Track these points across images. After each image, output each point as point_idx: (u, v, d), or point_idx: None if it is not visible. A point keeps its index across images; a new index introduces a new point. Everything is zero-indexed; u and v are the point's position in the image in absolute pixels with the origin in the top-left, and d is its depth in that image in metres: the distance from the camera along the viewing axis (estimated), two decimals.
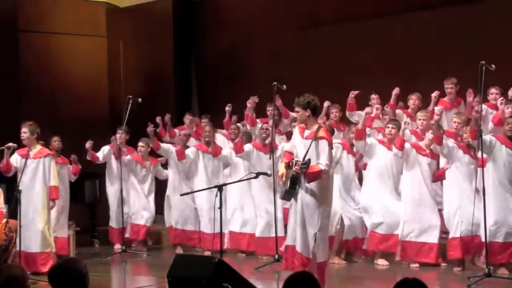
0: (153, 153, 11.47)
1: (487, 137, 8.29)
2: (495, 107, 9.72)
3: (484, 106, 9.39)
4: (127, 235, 11.28)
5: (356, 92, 10.50)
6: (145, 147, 11.28)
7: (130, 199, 11.37)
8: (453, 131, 9.19)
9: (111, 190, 11.47)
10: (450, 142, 8.83)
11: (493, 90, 9.58)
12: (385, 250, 9.24)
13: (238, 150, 9.99)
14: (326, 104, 10.62)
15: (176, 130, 11.80)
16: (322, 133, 7.23)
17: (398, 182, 9.35)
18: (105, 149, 11.40)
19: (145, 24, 14.51)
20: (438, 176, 9.07)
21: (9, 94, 13.00)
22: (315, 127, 7.28)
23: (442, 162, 9.18)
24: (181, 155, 10.67)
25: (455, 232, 8.63)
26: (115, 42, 14.69)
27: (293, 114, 10.98)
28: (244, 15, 13.77)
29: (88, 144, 10.97)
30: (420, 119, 9.42)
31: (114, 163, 11.39)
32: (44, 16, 13.74)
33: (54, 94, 13.53)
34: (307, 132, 7.31)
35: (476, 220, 8.30)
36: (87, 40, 14.20)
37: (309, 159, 7.02)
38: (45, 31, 13.75)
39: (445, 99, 10.08)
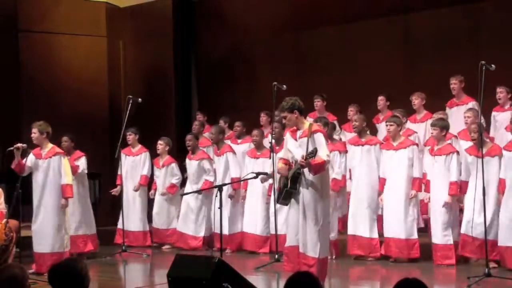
0: (171, 153, 11.60)
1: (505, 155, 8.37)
2: (500, 108, 9.72)
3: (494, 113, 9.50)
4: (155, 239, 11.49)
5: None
6: (163, 145, 11.38)
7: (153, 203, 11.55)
8: (466, 128, 9.27)
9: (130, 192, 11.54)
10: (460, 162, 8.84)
11: (498, 89, 9.62)
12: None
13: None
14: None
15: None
16: (315, 127, 7.30)
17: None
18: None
19: (145, 24, 14.51)
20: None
21: (9, 94, 13.00)
22: (306, 125, 7.33)
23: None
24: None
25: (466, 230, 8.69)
26: (115, 42, 14.69)
27: None
28: (244, 15, 13.77)
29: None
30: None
31: (129, 165, 11.50)
32: (44, 16, 13.73)
33: (54, 94, 13.52)
34: (299, 132, 7.34)
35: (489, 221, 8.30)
36: (87, 40, 14.19)
37: (315, 148, 7.02)
38: (45, 31, 13.74)
39: (454, 99, 10.21)
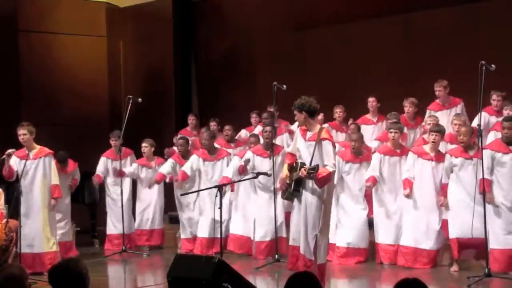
0: (157, 153, 11.50)
1: (487, 154, 8.25)
2: (496, 113, 9.69)
3: (484, 114, 9.43)
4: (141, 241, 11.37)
5: None
6: (148, 147, 11.25)
7: (138, 203, 11.39)
8: (454, 134, 9.25)
9: (115, 195, 11.39)
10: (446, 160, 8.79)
11: (494, 97, 9.56)
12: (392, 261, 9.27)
13: (242, 171, 9.90)
14: None
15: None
16: (324, 134, 7.26)
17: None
18: (101, 163, 11.39)
19: (145, 24, 14.51)
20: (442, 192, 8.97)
21: (9, 94, 13.00)
22: (317, 128, 7.31)
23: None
24: (184, 176, 10.49)
25: (451, 233, 8.65)
26: (115, 42, 14.69)
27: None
28: (244, 15, 13.77)
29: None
30: (429, 123, 9.45)
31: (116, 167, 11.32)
32: (44, 16, 13.74)
33: (54, 94, 13.52)
34: (309, 134, 7.33)
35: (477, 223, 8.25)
36: (87, 40, 14.19)
37: (317, 165, 7.00)
38: (45, 31, 13.74)
39: (438, 100, 10.15)
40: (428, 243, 8.91)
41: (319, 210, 7.20)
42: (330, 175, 7.11)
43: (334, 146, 7.43)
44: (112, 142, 11.31)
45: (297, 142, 7.47)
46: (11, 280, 3.98)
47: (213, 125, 11.71)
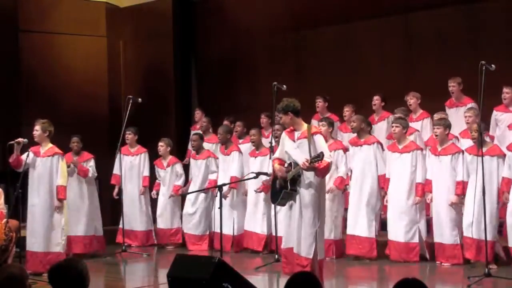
0: (173, 153, 11.68)
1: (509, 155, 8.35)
2: (506, 108, 9.70)
3: (494, 112, 9.47)
4: (155, 240, 11.55)
5: None
6: (164, 147, 11.42)
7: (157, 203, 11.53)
8: (467, 127, 9.27)
9: (129, 192, 11.47)
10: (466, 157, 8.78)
11: (505, 89, 9.59)
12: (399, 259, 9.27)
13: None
14: None
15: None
16: (314, 129, 7.37)
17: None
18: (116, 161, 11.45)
19: (145, 24, 14.51)
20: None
21: (9, 93, 13.01)
22: (304, 126, 7.38)
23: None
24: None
25: (466, 232, 8.65)
26: (115, 42, 14.69)
27: None
28: (244, 14, 13.77)
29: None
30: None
31: (127, 165, 11.46)
32: (45, 16, 13.74)
33: (55, 94, 13.52)
34: (297, 134, 7.37)
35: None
36: (87, 40, 14.18)
37: (321, 152, 7.05)
38: (45, 31, 13.74)
39: (452, 97, 10.20)
40: (452, 238, 8.88)
41: (317, 206, 7.22)
42: (329, 165, 7.18)
43: (326, 139, 7.56)
44: (128, 137, 11.44)
45: (285, 146, 7.48)
46: (11, 280, 3.98)
47: (226, 124, 11.84)
